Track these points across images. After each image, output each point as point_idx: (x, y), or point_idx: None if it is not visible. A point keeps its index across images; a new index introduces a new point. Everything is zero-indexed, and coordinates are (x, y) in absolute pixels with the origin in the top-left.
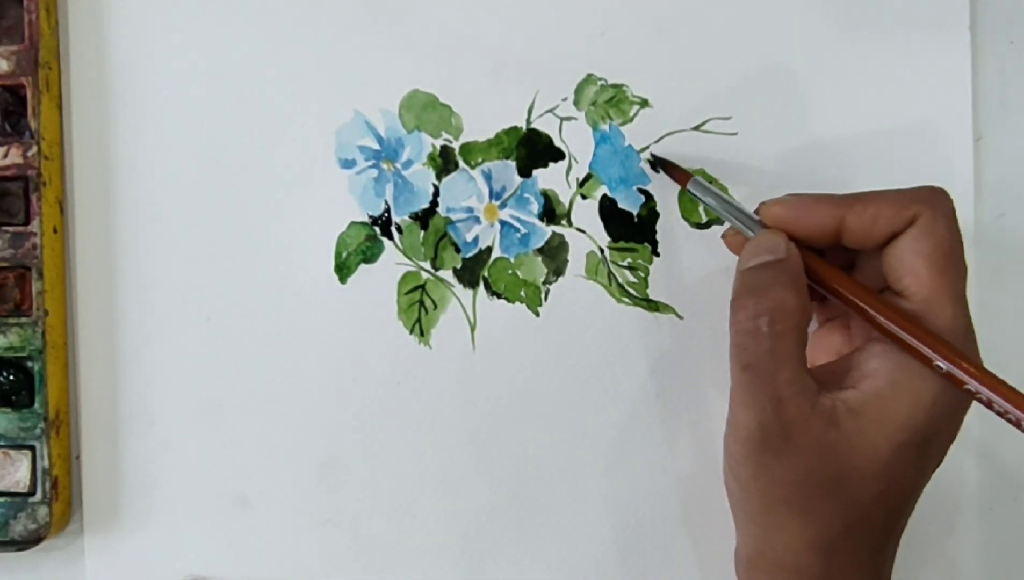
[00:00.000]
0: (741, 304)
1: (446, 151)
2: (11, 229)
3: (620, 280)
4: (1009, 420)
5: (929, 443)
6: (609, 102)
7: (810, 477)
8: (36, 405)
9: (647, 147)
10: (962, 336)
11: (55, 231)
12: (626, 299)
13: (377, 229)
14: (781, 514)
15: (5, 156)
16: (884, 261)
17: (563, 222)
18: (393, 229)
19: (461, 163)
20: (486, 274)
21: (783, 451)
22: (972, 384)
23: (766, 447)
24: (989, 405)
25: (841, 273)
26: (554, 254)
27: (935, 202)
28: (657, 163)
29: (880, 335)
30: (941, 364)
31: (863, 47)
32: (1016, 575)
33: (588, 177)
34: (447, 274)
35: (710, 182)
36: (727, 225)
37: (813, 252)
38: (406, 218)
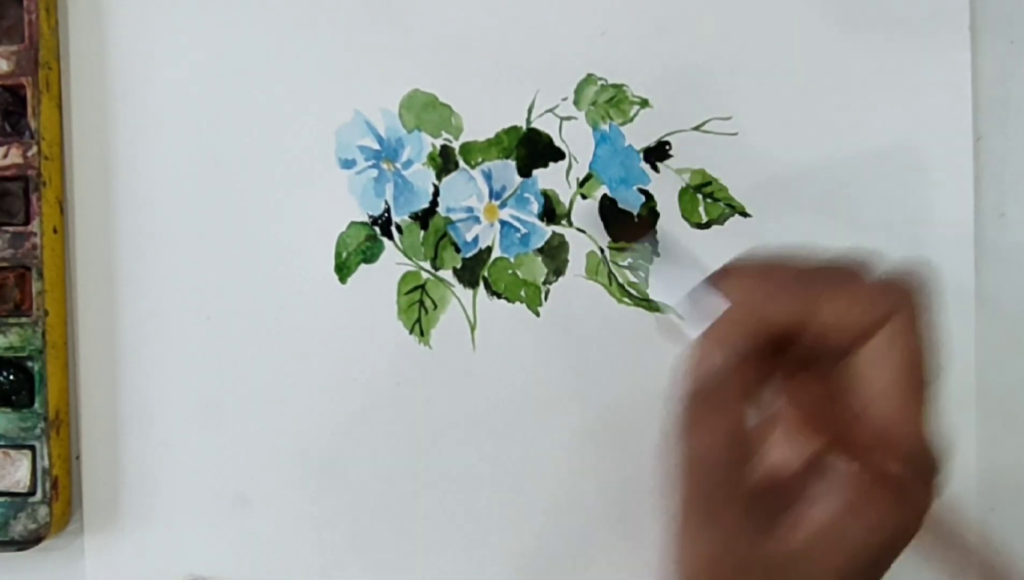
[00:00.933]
0: (685, 437)
1: (446, 151)
2: (11, 229)
3: (620, 280)
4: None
5: (879, 561)
6: (609, 102)
7: None
8: (36, 405)
9: (647, 147)
10: (924, 456)
11: (55, 231)
12: (626, 299)
13: (377, 229)
14: None
15: (5, 156)
16: (851, 367)
17: (563, 222)
18: (393, 229)
19: (461, 163)
20: (486, 274)
21: None
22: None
23: None
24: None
25: (796, 392)
26: (554, 254)
27: (911, 301)
28: (609, 217)
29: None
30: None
31: (863, 47)
32: (1016, 576)
33: (588, 177)
34: (447, 274)
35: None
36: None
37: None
38: (406, 218)
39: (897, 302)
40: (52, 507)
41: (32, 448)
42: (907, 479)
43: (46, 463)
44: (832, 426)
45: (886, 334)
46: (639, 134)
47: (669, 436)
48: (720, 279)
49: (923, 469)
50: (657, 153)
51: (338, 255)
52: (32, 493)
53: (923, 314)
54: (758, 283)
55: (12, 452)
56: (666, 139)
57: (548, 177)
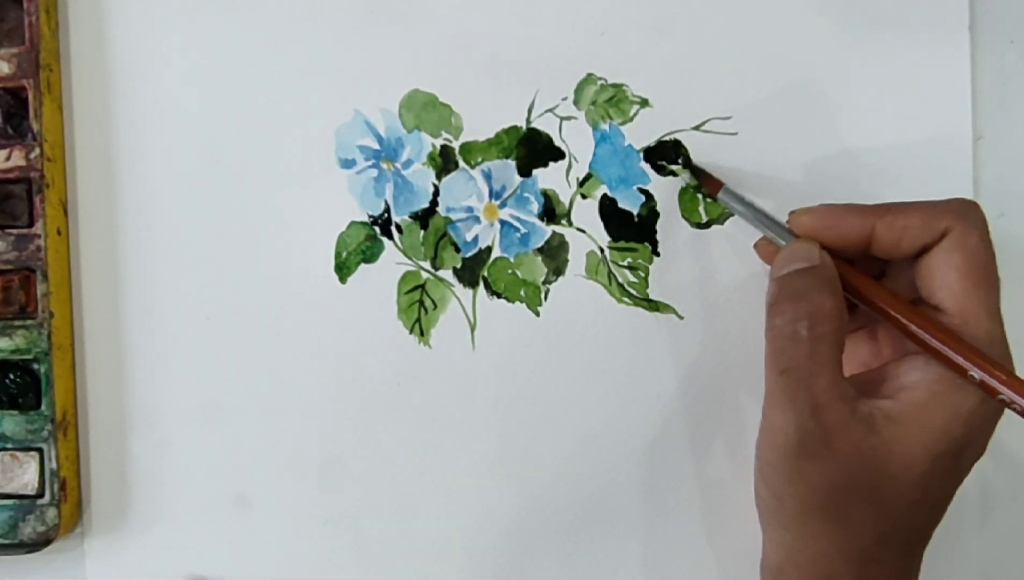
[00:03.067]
0: (780, 309)
1: (446, 151)
2: (15, 231)
3: (620, 280)
4: None
5: (963, 454)
6: (609, 102)
7: (847, 483)
8: (43, 407)
9: (647, 146)
10: (998, 348)
11: (59, 233)
12: (626, 299)
13: (377, 229)
14: (816, 520)
15: (8, 158)
16: (917, 273)
17: (563, 222)
18: (393, 229)
19: (461, 163)
20: (486, 274)
21: (821, 456)
22: (1006, 393)
23: (803, 452)
24: (1023, 414)
25: (876, 284)
26: (554, 254)
27: (967, 215)
28: (690, 168)
29: (916, 347)
30: (975, 374)
31: (863, 47)
32: (1016, 575)
33: (588, 176)
34: (447, 274)
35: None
36: (758, 234)
37: (845, 262)
38: (406, 218)
39: (955, 215)
40: (61, 509)
41: (40, 450)
42: (982, 366)
43: (54, 465)
44: (910, 323)
45: (948, 241)
46: (639, 134)
47: (769, 310)
48: (793, 216)
49: (996, 358)
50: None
51: (338, 255)
52: (40, 495)
53: (981, 224)
54: (829, 209)
55: (20, 455)
56: (674, 138)
57: (548, 177)
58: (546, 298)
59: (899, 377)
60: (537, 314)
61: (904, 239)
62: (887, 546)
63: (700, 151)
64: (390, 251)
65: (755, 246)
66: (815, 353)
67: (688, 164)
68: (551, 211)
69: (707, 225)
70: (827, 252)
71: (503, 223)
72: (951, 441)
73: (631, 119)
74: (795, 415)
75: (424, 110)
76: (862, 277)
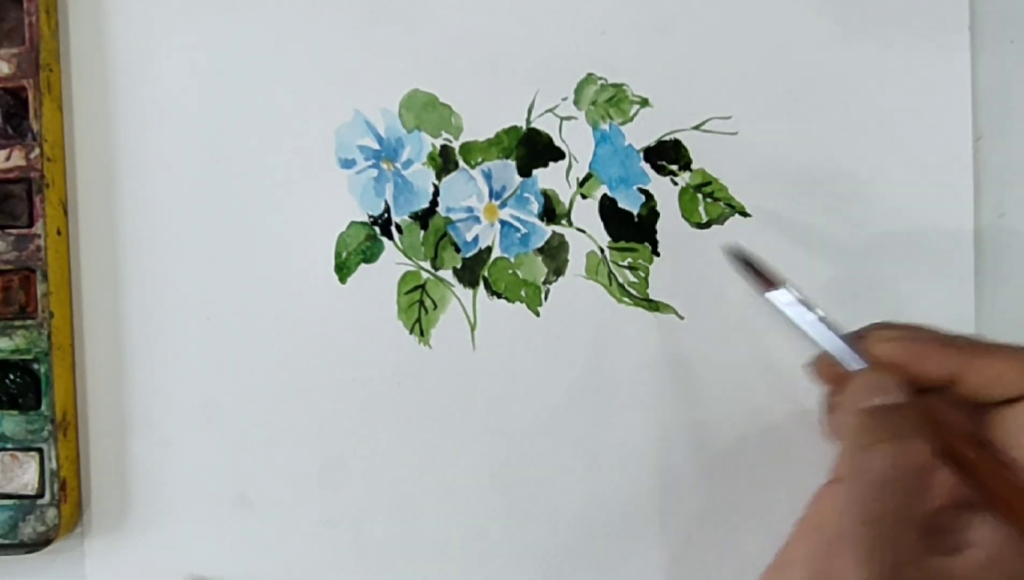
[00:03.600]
0: (878, 451)
1: (446, 151)
2: (15, 231)
3: (620, 280)
4: None
5: None
6: (609, 101)
7: None
8: (43, 407)
9: (647, 146)
10: None
11: (59, 233)
12: (626, 299)
13: (377, 229)
14: None
15: (8, 158)
16: (998, 420)
17: (563, 222)
18: (393, 229)
19: (461, 163)
20: (486, 274)
21: None
22: None
23: None
24: None
25: (958, 431)
26: (554, 254)
27: None
28: (739, 260)
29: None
30: None
31: (863, 47)
32: None
33: (588, 176)
34: (447, 274)
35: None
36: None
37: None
38: (406, 218)
39: None
40: (61, 509)
41: (40, 450)
42: None
43: (54, 465)
44: (988, 478)
45: None
46: (639, 134)
47: (863, 447)
48: (866, 337)
49: None
50: (662, 153)
51: (338, 255)
52: (40, 495)
53: None
54: (914, 341)
55: (20, 455)
56: (674, 138)
57: (548, 177)
58: (546, 298)
59: (966, 531)
60: (537, 314)
61: (996, 388)
62: None
63: (700, 151)
64: (390, 251)
65: (813, 364)
66: (909, 507)
67: (738, 255)
68: (551, 211)
69: (707, 225)
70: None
71: (503, 223)
72: None
73: (631, 119)
74: (874, 573)
75: (424, 110)
76: (949, 416)
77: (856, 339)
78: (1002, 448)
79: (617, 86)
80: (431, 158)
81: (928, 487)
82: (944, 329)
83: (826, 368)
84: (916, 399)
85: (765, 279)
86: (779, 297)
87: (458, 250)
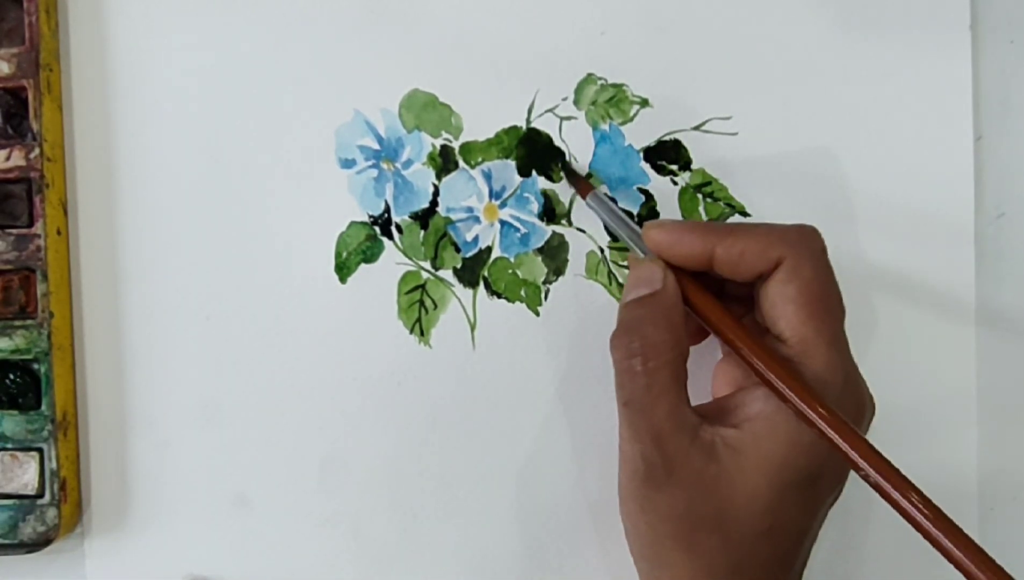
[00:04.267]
0: (617, 343)
1: (446, 150)
2: (15, 232)
3: (620, 280)
4: (864, 477)
5: (814, 483)
6: (609, 102)
7: (692, 511)
8: (43, 407)
9: (647, 146)
10: (839, 381)
11: (59, 233)
12: None
13: (377, 229)
14: (667, 548)
15: (8, 158)
16: (759, 302)
17: (563, 222)
18: (393, 229)
19: (461, 162)
20: (486, 274)
21: (665, 484)
22: (833, 436)
23: (649, 481)
24: (845, 457)
25: (721, 312)
26: (554, 254)
27: (801, 243)
28: (564, 170)
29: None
30: (806, 411)
31: (863, 47)
32: (1016, 575)
33: (588, 176)
34: (447, 274)
35: (609, 198)
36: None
37: (705, 283)
38: (406, 218)
39: (789, 244)
40: (61, 509)
41: (40, 450)
42: (820, 401)
43: (54, 465)
44: (747, 354)
45: (782, 271)
46: (639, 134)
47: (610, 342)
48: (644, 228)
49: (837, 391)
50: (662, 153)
51: (338, 255)
52: (40, 495)
53: (816, 254)
54: (676, 225)
55: (20, 455)
56: (674, 138)
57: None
58: (546, 298)
59: (745, 406)
60: (537, 314)
61: (741, 264)
62: (741, 576)
63: (700, 151)
64: (390, 251)
65: (628, 262)
66: (652, 385)
67: (564, 166)
68: (551, 211)
69: None
70: (679, 271)
71: (503, 223)
72: (794, 471)
73: (631, 119)
74: (639, 445)
75: (424, 110)
76: (708, 302)
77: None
78: (767, 326)
79: (617, 86)
80: (431, 158)
81: (671, 366)
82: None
83: (633, 263)
84: (672, 287)
85: (582, 185)
86: (592, 200)
87: (458, 250)
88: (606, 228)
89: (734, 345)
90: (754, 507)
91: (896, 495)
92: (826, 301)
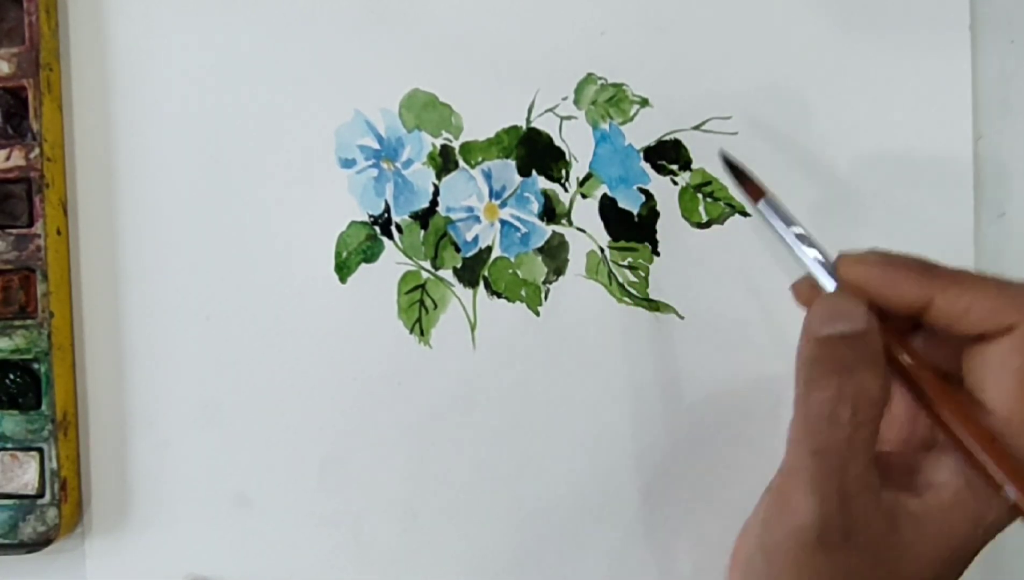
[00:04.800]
0: (821, 383)
1: (446, 150)
2: (15, 231)
3: (620, 280)
4: None
5: (974, 556)
6: (609, 101)
7: (858, 578)
8: (43, 407)
9: (647, 146)
10: None
11: (59, 233)
12: (626, 299)
13: (377, 229)
14: None
15: (8, 158)
16: (968, 358)
17: (563, 221)
18: (393, 229)
19: (461, 162)
20: (486, 273)
21: (839, 548)
22: None
23: (822, 542)
24: None
25: (925, 366)
26: (554, 254)
27: None
28: (728, 165)
29: (949, 443)
30: (1010, 492)
31: (863, 47)
32: (1016, 575)
33: (588, 176)
34: (447, 273)
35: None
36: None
37: (890, 326)
38: (406, 217)
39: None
40: (61, 509)
41: (40, 450)
42: (1013, 483)
43: (54, 465)
44: (954, 415)
45: (1011, 339)
46: (639, 134)
47: (808, 381)
48: (840, 257)
49: None
50: (662, 153)
51: (338, 255)
52: (40, 495)
53: None
54: (885, 264)
55: (20, 454)
56: (674, 138)
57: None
58: (546, 298)
59: (929, 473)
60: (537, 314)
61: (964, 321)
62: None
63: (700, 151)
64: (390, 251)
65: (793, 287)
66: (854, 439)
67: (726, 160)
68: (551, 211)
69: (707, 225)
70: (874, 314)
71: (503, 223)
72: (968, 549)
73: (631, 119)
74: (820, 502)
75: (424, 110)
76: (908, 352)
77: (838, 260)
78: (971, 388)
79: (617, 86)
80: (431, 158)
81: (876, 422)
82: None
83: (805, 290)
84: (877, 328)
85: (751, 189)
86: (766, 208)
87: (458, 250)
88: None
89: (935, 409)
90: (924, 576)
91: None
92: None
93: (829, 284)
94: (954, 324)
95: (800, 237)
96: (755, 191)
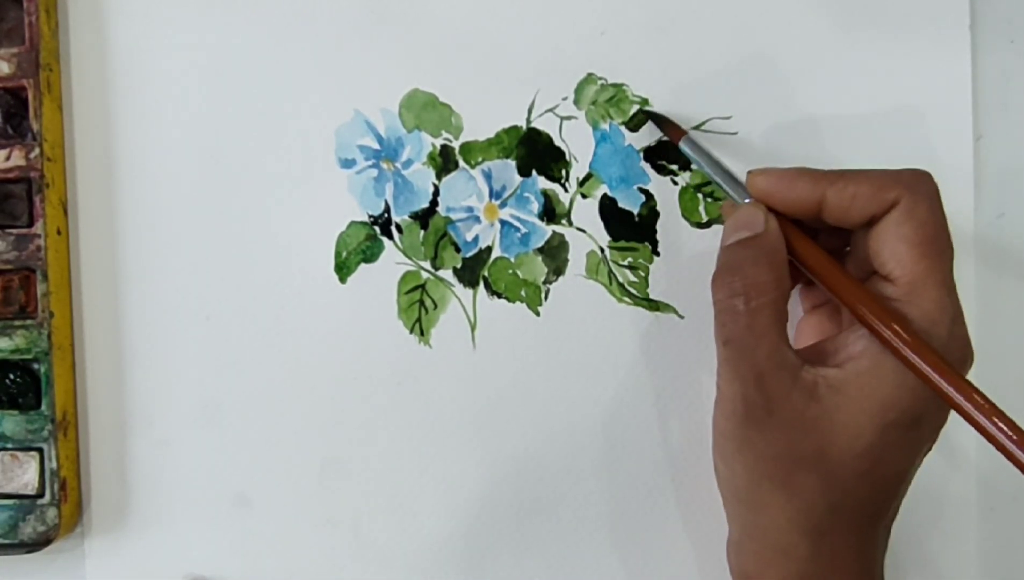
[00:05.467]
0: (719, 282)
1: (446, 150)
2: (15, 231)
3: (620, 279)
4: (976, 425)
5: (917, 425)
6: (609, 101)
7: (791, 451)
8: (43, 407)
9: (648, 146)
10: (948, 322)
11: (59, 233)
12: (626, 299)
13: (377, 229)
14: (765, 490)
15: (8, 158)
16: (868, 244)
17: (563, 221)
18: (393, 229)
19: (461, 162)
20: (486, 273)
21: (765, 424)
22: (941, 384)
23: (749, 421)
24: (955, 406)
25: (825, 257)
26: (554, 253)
27: (917, 185)
28: (650, 117)
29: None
30: (913, 359)
31: (863, 47)
32: (1016, 575)
33: (588, 176)
34: (447, 274)
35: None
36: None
37: (804, 231)
38: (406, 217)
39: (905, 185)
40: (61, 509)
41: (40, 450)
42: (932, 339)
43: (54, 465)
44: (854, 301)
45: (897, 212)
46: (639, 133)
47: (712, 282)
48: (749, 177)
49: (946, 332)
50: (662, 153)
51: (338, 255)
52: (40, 495)
53: (931, 195)
54: (783, 172)
55: (20, 454)
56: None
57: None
58: (546, 298)
59: (847, 347)
60: (537, 314)
61: (854, 207)
62: (839, 517)
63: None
64: (390, 251)
65: (722, 208)
66: (754, 324)
67: (648, 113)
68: (551, 211)
69: (707, 225)
70: (780, 217)
71: (503, 223)
72: (898, 411)
73: (631, 119)
74: (740, 385)
75: (424, 110)
76: (810, 247)
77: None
78: (877, 270)
79: (617, 86)
80: (431, 158)
81: (773, 306)
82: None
83: (728, 210)
84: (770, 230)
85: (673, 131)
86: (687, 145)
87: (458, 250)
88: (700, 170)
89: (837, 289)
90: (855, 447)
91: (1009, 445)
92: (940, 242)
93: (737, 200)
94: (845, 214)
95: (718, 165)
96: (676, 133)
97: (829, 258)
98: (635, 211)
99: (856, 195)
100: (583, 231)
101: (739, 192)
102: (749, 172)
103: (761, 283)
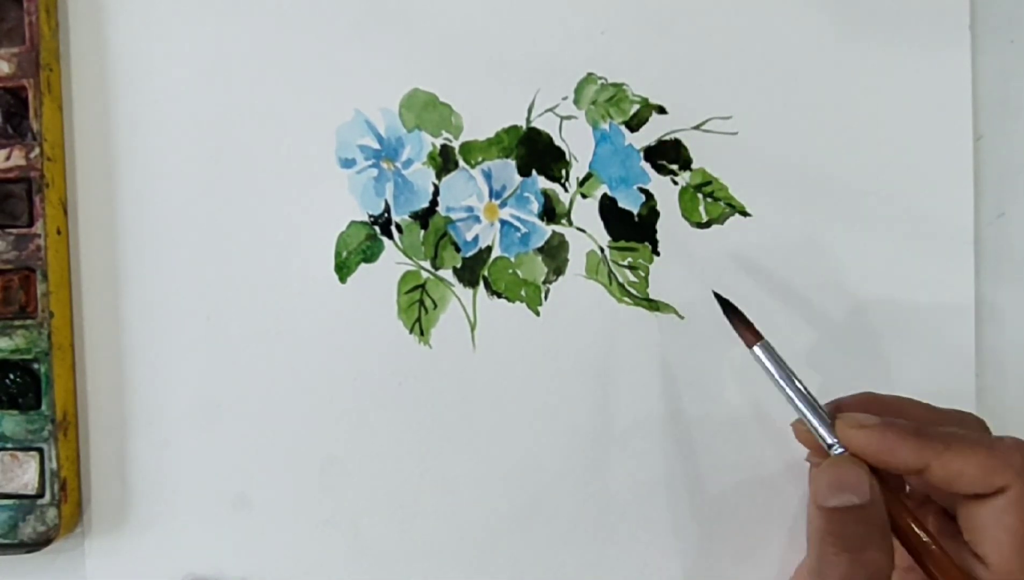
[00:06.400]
0: (835, 561)
1: (446, 150)
2: (15, 231)
3: (620, 279)
4: None
5: None
6: (609, 101)
7: None
8: (43, 407)
9: (648, 146)
10: None
11: (59, 232)
12: (626, 299)
13: (377, 228)
14: None
15: (8, 158)
16: (965, 515)
17: (563, 221)
18: (393, 228)
19: (461, 162)
20: (486, 273)
21: None
22: None
23: None
24: None
25: (923, 534)
26: (554, 253)
27: None
28: (722, 304)
29: None
30: None
31: (863, 47)
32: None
33: (588, 176)
34: (447, 273)
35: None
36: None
37: (892, 492)
38: (406, 217)
39: (1014, 472)
40: (61, 509)
41: (40, 450)
42: None
43: (54, 465)
44: (955, 569)
45: (1003, 499)
46: (639, 133)
47: (821, 556)
48: (840, 419)
49: None
50: (662, 153)
51: (338, 255)
52: (40, 495)
53: None
54: (883, 431)
55: (20, 454)
56: (674, 137)
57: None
58: (546, 298)
59: None
60: (537, 314)
61: (959, 483)
62: None
63: (700, 151)
64: (390, 251)
65: (793, 426)
66: None
67: (723, 303)
68: (551, 211)
69: (707, 225)
70: (878, 477)
71: (503, 223)
72: None
73: (631, 118)
74: None
75: (424, 110)
76: (908, 519)
77: (831, 414)
78: (968, 542)
79: (617, 86)
80: (431, 157)
81: None
82: (922, 405)
83: (804, 431)
84: (881, 499)
85: (746, 334)
86: (762, 351)
87: (458, 250)
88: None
89: (933, 573)
90: None
91: None
92: None
93: (828, 438)
94: (950, 485)
95: (796, 391)
96: (750, 337)
97: (932, 541)
98: (635, 211)
99: (963, 472)
100: (583, 231)
101: (821, 422)
102: (841, 418)
103: (881, 568)
